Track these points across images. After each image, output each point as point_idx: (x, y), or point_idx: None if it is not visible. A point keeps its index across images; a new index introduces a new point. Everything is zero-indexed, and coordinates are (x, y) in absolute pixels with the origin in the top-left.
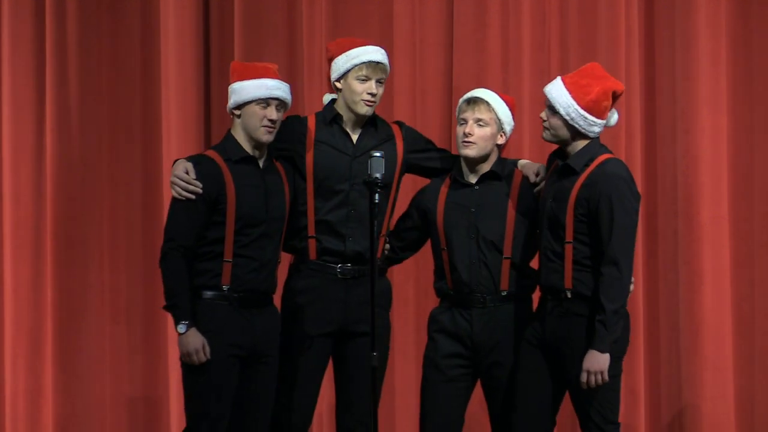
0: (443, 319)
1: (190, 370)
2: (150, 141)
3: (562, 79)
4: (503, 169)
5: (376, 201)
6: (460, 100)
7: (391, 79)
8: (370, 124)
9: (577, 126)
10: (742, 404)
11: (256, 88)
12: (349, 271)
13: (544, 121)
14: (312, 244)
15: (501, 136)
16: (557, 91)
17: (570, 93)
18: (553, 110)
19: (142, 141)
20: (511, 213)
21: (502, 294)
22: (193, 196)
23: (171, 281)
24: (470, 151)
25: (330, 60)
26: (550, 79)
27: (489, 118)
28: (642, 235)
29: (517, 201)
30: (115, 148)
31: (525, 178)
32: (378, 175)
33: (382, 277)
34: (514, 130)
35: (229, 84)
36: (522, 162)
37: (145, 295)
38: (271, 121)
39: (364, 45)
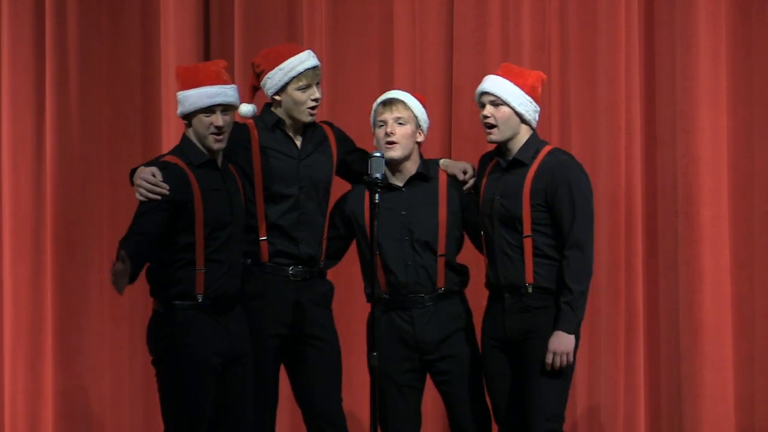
0: (382, 323)
1: (173, 382)
2: (150, 141)
3: (496, 74)
4: (428, 170)
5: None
6: (375, 104)
7: (391, 79)
8: (309, 125)
9: (524, 113)
10: (742, 404)
11: (197, 98)
12: (300, 273)
13: (487, 118)
14: (264, 247)
15: (419, 133)
16: (499, 84)
17: (511, 82)
18: (497, 103)
19: (142, 141)
20: (442, 212)
21: (439, 291)
22: (159, 197)
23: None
24: (395, 153)
25: (259, 74)
26: (550, 79)
27: (407, 116)
28: (642, 235)
29: (447, 200)
30: (115, 148)
31: (451, 176)
32: (378, 175)
33: (324, 280)
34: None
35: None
36: (444, 161)
37: (145, 295)
38: (217, 128)
39: (294, 53)
